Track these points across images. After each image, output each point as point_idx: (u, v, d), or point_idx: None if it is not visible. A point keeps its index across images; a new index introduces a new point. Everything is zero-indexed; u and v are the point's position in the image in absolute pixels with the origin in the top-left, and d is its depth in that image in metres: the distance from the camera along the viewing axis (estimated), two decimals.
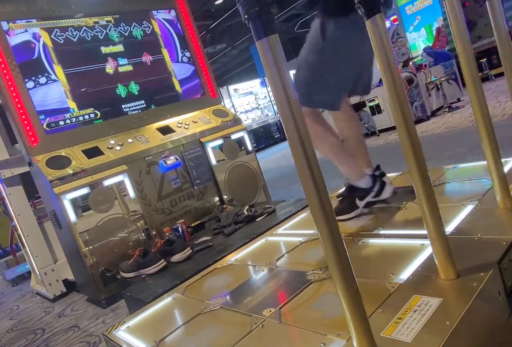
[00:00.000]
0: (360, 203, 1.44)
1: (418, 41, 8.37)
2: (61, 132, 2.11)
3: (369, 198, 1.42)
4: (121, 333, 1.17)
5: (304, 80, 1.34)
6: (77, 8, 2.23)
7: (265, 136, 8.96)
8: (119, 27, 2.38)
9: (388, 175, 1.88)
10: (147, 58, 2.48)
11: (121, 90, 2.36)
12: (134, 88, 2.40)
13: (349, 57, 1.28)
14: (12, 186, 2.35)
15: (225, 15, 8.58)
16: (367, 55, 1.30)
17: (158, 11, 2.55)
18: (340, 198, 1.52)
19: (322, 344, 0.78)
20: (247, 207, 2.14)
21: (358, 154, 1.49)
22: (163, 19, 2.59)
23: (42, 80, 2.09)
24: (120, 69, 2.36)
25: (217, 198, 2.50)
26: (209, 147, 2.47)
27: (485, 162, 1.11)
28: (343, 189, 1.55)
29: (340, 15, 1.20)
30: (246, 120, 8.91)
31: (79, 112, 2.19)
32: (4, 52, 1.96)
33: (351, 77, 1.36)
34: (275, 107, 8.64)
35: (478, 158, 1.70)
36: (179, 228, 2.07)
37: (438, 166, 1.77)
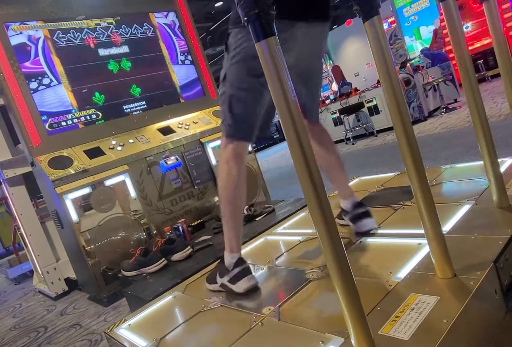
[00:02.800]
0: (218, 281, 1.17)
1: (416, 42, 8.38)
2: (63, 132, 2.13)
3: (224, 280, 1.14)
4: (123, 331, 1.18)
5: (224, 105, 1.12)
6: (79, 10, 2.24)
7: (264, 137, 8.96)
8: (121, 29, 2.40)
9: (386, 175, 1.89)
10: (148, 60, 2.49)
11: (121, 90, 2.37)
12: (136, 89, 2.42)
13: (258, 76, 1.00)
14: (14, 186, 2.36)
15: (225, 17, 8.59)
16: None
17: (158, 13, 2.57)
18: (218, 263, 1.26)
19: (320, 342, 0.79)
20: (246, 206, 2.15)
21: (335, 183, 1.31)
22: (163, 21, 2.60)
23: (44, 81, 2.10)
24: (121, 71, 2.37)
25: (217, 198, 2.51)
26: (209, 147, 2.49)
27: (481, 162, 1.12)
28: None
29: (238, 21, 0.97)
30: None
31: (81, 113, 2.21)
32: (7, 54, 1.98)
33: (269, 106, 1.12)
34: None
35: (474, 158, 1.70)
36: (180, 227, 2.08)
37: (435, 166, 1.78)
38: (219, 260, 1.23)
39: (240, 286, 1.11)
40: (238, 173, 1.10)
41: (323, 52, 1.25)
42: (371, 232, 1.27)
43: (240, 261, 1.14)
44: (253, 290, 1.12)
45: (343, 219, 1.36)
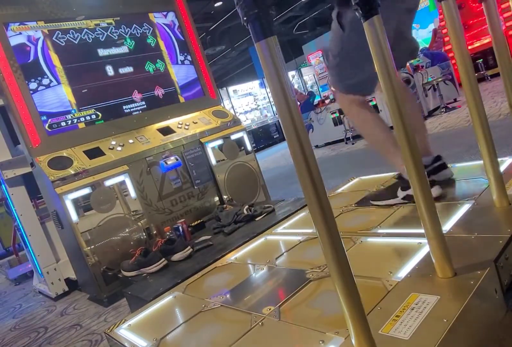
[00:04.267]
0: (401, 194, 1.39)
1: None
2: (62, 133, 2.13)
3: (410, 191, 1.29)
4: (123, 331, 1.18)
5: (335, 68, 1.37)
6: (79, 10, 2.24)
7: (264, 137, 8.97)
8: (120, 29, 2.40)
9: (386, 174, 1.89)
10: (147, 60, 2.49)
11: (121, 91, 2.37)
12: (135, 89, 2.42)
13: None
14: (14, 187, 2.36)
15: (225, 17, 8.60)
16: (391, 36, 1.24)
17: (158, 13, 2.57)
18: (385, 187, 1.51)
19: (321, 342, 0.79)
20: (246, 206, 2.15)
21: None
22: (163, 21, 2.60)
23: (44, 81, 2.10)
24: (121, 71, 2.37)
25: (217, 198, 2.51)
26: (209, 147, 2.49)
27: (481, 162, 1.12)
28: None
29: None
30: (245, 120, 8.94)
31: (81, 113, 2.21)
32: (6, 54, 1.98)
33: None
34: (274, 108, 8.68)
35: (474, 158, 1.70)
36: (180, 228, 2.08)
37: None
38: (398, 177, 1.44)
39: (433, 192, 1.24)
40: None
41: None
42: (371, 231, 1.27)
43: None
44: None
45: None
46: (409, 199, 1.37)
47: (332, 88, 1.46)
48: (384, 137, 1.36)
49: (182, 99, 2.61)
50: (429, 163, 1.42)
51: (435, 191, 1.30)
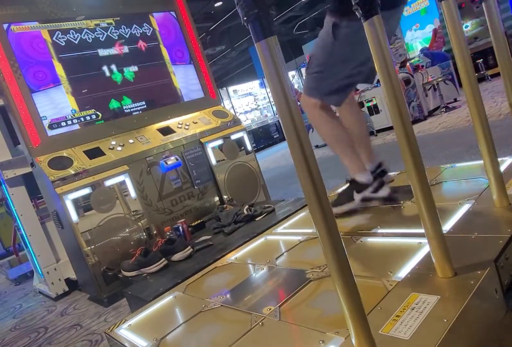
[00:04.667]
0: (357, 196, 1.43)
1: (415, 42, 8.38)
2: (63, 133, 2.13)
3: (366, 193, 1.40)
4: (123, 331, 1.18)
5: (315, 74, 1.39)
6: (79, 10, 2.24)
7: (264, 137, 8.97)
8: (120, 29, 2.40)
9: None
10: (147, 60, 2.49)
11: (121, 91, 2.37)
12: (135, 89, 2.42)
13: (358, 56, 1.30)
14: (14, 187, 2.36)
15: (225, 17, 8.59)
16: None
17: (158, 13, 2.57)
18: (339, 192, 1.54)
19: (321, 342, 0.79)
20: (246, 206, 2.15)
21: (361, 148, 1.50)
22: (163, 21, 2.60)
23: (44, 81, 2.10)
24: (121, 71, 2.37)
25: (217, 198, 2.51)
26: (209, 147, 2.49)
27: (481, 162, 1.12)
28: (345, 186, 1.56)
29: (353, 17, 1.22)
30: (245, 120, 8.93)
31: (81, 113, 2.21)
32: (6, 54, 1.98)
33: (358, 74, 1.38)
34: (274, 108, 8.67)
35: (474, 158, 1.71)
36: (180, 228, 2.08)
37: (435, 166, 1.78)
38: (349, 182, 1.47)
39: (383, 192, 1.37)
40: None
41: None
42: (371, 231, 1.27)
43: (374, 174, 1.42)
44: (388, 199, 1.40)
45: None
46: (366, 200, 1.42)
47: (301, 91, 1.50)
48: (343, 139, 1.42)
49: (182, 99, 2.61)
50: (373, 169, 1.48)
51: (384, 191, 1.39)
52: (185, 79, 2.64)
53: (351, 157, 1.41)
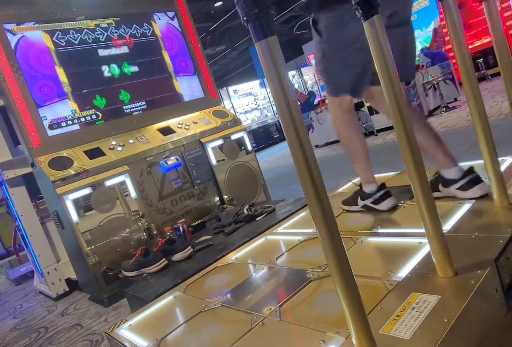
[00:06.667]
0: (360, 202, 1.49)
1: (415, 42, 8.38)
2: (63, 133, 2.13)
3: (367, 202, 1.44)
4: (123, 331, 1.18)
5: (321, 72, 1.41)
6: (78, 10, 2.24)
7: (264, 136, 8.97)
8: (120, 29, 2.40)
9: (386, 174, 1.89)
10: (147, 60, 2.49)
11: (121, 91, 2.37)
12: (135, 89, 2.42)
13: (348, 41, 1.25)
14: (15, 187, 2.37)
15: (225, 17, 8.60)
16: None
17: (158, 13, 2.57)
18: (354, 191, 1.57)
19: (321, 341, 0.79)
20: (247, 206, 2.15)
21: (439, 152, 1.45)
22: (163, 21, 2.60)
23: (44, 81, 2.10)
24: (121, 71, 2.38)
25: (217, 198, 2.51)
26: (209, 147, 2.49)
27: (482, 161, 1.12)
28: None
29: (325, 9, 1.24)
30: (245, 120, 8.93)
31: (81, 113, 2.21)
32: (6, 54, 1.98)
33: (364, 64, 1.29)
34: (274, 108, 8.67)
35: (475, 157, 1.70)
36: (180, 228, 2.08)
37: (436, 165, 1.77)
38: (359, 187, 1.50)
39: (384, 205, 1.39)
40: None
41: None
42: (372, 231, 1.27)
43: (382, 185, 1.41)
44: (394, 208, 1.39)
45: (439, 191, 1.34)
46: (366, 208, 1.45)
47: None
48: (359, 147, 1.43)
49: (182, 99, 2.61)
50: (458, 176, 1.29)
51: (384, 205, 1.39)
52: (185, 79, 2.64)
53: (361, 166, 1.45)
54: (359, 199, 1.48)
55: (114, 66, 2.35)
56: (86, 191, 1.99)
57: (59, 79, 2.14)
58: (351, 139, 1.43)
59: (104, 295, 1.98)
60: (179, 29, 2.64)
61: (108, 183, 2.06)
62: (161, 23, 2.56)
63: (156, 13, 2.55)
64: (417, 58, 6.11)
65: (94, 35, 2.29)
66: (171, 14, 2.61)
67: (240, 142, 2.63)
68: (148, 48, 2.50)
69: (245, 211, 2.10)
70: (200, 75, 2.69)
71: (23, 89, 2.01)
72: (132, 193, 2.14)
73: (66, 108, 2.16)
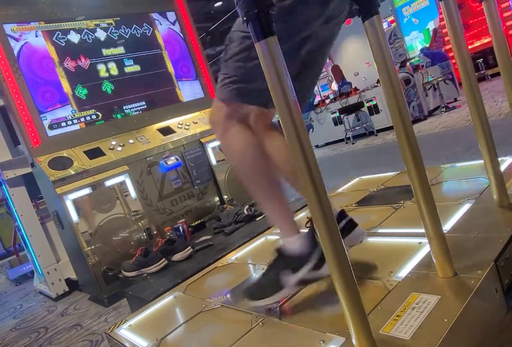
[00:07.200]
0: (292, 279, 0.89)
1: (415, 42, 8.39)
2: (63, 133, 2.13)
3: (304, 271, 0.87)
4: (123, 332, 1.18)
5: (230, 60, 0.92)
6: (78, 10, 2.24)
7: None
8: (120, 30, 2.40)
9: (386, 174, 1.89)
10: (147, 60, 2.49)
11: (121, 91, 2.37)
12: (135, 89, 2.42)
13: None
14: (15, 187, 2.37)
15: (225, 17, 8.60)
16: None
17: (158, 13, 2.57)
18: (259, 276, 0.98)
19: (321, 342, 0.79)
20: (247, 206, 2.15)
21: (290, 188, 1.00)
22: (163, 21, 2.60)
23: (44, 81, 2.10)
24: (121, 71, 2.37)
25: (217, 198, 2.51)
26: (209, 147, 2.49)
27: (482, 161, 1.11)
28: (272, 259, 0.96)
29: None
30: None
31: (81, 113, 2.21)
32: (6, 54, 1.98)
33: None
34: None
35: (475, 157, 1.71)
36: (180, 228, 2.08)
37: (435, 165, 1.78)
38: (277, 253, 0.95)
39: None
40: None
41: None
42: (372, 231, 1.27)
43: (313, 235, 0.89)
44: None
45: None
46: (303, 284, 0.91)
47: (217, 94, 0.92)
48: (271, 185, 0.92)
49: (182, 99, 2.61)
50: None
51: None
52: (185, 79, 2.64)
53: (279, 207, 0.92)
54: (288, 276, 0.90)
55: (113, 67, 2.35)
56: (86, 191, 1.99)
57: (61, 85, 2.14)
58: (258, 173, 0.95)
59: (104, 295, 1.98)
60: (181, 34, 2.64)
61: (108, 183, 2.06)
62: (162, 28, 2.56)
63: (157, 19, 2.54)
64: (417, 58, 6.13)
65: (94, 35, 2.29)
66: (172, 18, 2.61)
67: None
68: (147, 47, 2.50)
69: (245, 211, 2.10)
70: (201, 78, 2.69)
71: (23, 89, 2.01)
72: (132, 193, 2.14)
73: (66, 109, 2.16)
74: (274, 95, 0.66)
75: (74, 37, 2.22)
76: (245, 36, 0.85)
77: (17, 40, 2.03)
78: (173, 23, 2.62)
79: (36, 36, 2.10)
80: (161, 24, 2.56)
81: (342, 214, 0.98)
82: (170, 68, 2.56)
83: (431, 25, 8.01)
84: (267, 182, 0.93)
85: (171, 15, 2.62)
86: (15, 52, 2.01)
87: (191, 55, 2.68)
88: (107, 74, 2.32)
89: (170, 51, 2.57)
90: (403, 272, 0.95)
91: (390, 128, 4.83)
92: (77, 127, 2.18)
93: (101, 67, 2.30)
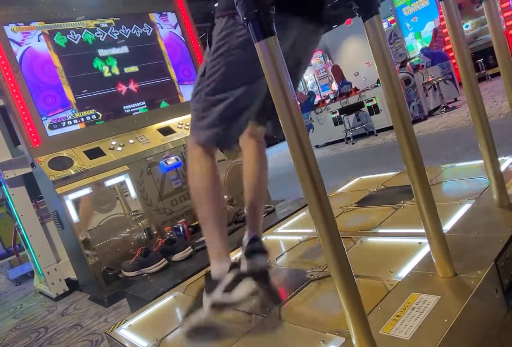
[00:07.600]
0: (206, 299, 0.94)
1: (415, 42, 8.39)
2: (63, 133, 2.13)
3: (217, 294, 0.91)
4: (123, 332, 1.18)
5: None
6: (78, 10, 2.24)
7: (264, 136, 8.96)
8: (120, 30, 2.40)
9: (386, 174, 1.89)
10: (147, 60, 2.49)
11: (121, 91, 2.37)
12: (135, 89, 2.42)
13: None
14: (15, 187, 2.37)
15: None
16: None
17: (158, 13, 2.57)
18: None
19: (321, 342, 0.79)
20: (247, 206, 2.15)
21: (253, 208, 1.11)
22: (163, 21, 2.60)
23: (44, 82, 2.10)
24: (121, 71, 2.37)
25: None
26: None
27: (482, 161, 1.11)
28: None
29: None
30: None
31: (81, 113, 2.21)
32: (6, 54, 1.98)
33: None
34: None
35: (475, 157, 1.71)
36: (180, 228, 2.08)
37: (436, 165, 1.78)
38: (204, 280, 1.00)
39: (240, 292, 0.89)
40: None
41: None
42: (372, 231, 1.27)
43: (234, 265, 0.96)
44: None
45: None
46: (219, 308, 0.92)
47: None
48: (218, 212, 1.01)
49: (182, 99, 2.61)
50: (247, 242, 1.15)
51: (243, 290, 0.89)
52: (185, 79, 2.64)
53: (217, 232, 0.99)
54: (204, 294, 0.96)
55: (113, 67, 2.34)
56: (86, 191, 1.99)
57: (63, 90, 2.14)
58: (207, 190, 1.01)
59: (104, 295, 1.97)
60: (182, 38, 2.64)
61: (108, 183, 2.06)
62: (163, 32, 2.56)
63: (158, 23, 2.54)
64: (417, 58, 6.13)
65: (94, 35, 2.29)
66: (173, 22, 2.61)
67: None
68: (150, 52, 2.50)
69: (245, 211, 2.10)
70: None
71: (24, 90, 2.01)
72: (132, 193, 2.14)
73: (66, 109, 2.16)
74: (274, 95, 0.66)
75: (74, 37, 2.22)
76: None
77: (19, 44, 2.03)
78: (174, 27, 2.62)
79: (39, 40, 2.09)
80: (162, 28, 2.56)
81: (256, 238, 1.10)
82: (172, 73, 2.57)
83: (429, 26, 8.02)
84: (215, 208, 1.02)
85: (172, 18, 2.62)
86: (18, 57, 2.01)
87: (194, 62, 2.68)
88: (107, 74, 2.32)
89: (171, 55, 2.57)
90: (403, 272, 0.95)
91: (390, 128, 4.83)
92: (77, 127, 2.18)
93: (101, 67, 2.30)
